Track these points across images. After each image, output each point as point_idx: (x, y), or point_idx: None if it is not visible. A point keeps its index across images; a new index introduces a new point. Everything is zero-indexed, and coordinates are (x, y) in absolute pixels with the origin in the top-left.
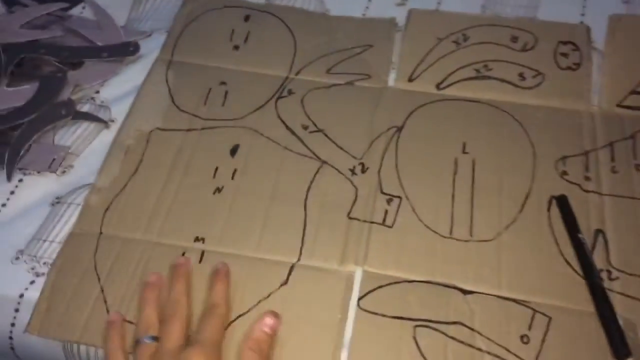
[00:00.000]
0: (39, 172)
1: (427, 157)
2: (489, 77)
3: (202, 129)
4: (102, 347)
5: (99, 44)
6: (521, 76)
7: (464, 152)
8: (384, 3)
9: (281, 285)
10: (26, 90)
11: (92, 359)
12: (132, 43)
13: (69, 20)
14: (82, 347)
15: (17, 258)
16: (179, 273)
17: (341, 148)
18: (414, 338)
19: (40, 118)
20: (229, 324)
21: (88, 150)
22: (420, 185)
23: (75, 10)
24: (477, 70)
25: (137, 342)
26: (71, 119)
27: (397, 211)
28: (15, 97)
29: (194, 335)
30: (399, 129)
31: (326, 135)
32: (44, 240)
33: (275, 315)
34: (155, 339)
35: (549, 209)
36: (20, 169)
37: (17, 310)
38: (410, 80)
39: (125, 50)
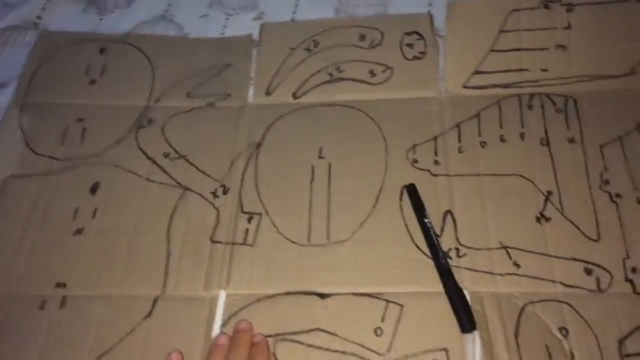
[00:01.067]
0: None
1: (285, 168)
2: (342, 79)
3: (61, 170)
4: None
5: None
6: (372, 73)
7: (320, 157)
8: (241, 21)
9: (144, 318)
10: None
11: None
12: None
13: None
14: None
15: None
16: (241, 341)
17: (203, 172)
18: (274, 354)
19: None
20: None
21: None
22: (279, 199)
23: None
24: (330, 74)
25: None
26: None
27: (258, 228)
28: None
29: None
30: (258, 145)
31: (187, 161)
32: None
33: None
34: None
35: (400, 199)
36: None
37: None
38: (268, 93)
39: None
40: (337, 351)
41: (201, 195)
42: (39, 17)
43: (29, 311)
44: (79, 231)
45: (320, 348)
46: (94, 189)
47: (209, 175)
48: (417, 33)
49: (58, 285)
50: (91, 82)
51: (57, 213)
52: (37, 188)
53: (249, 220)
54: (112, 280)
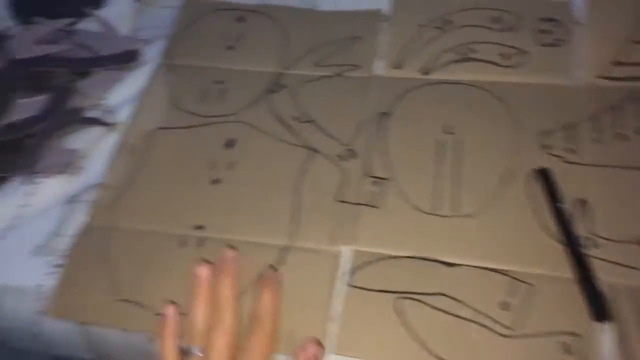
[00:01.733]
0: (54, 175)
1: (413, 140)
2: (473, 59)
3: (201, 125)
4: (158, 343)
5: (104, 54)
6: (503, 55)
7: (448, 133)
8: None
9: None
10: (39, 101)
11: (107, 341)
12: (132, 51)
13: (77, 34)
14: (95, 330)
15: (37, 252)
16: (227, 272)
17: (330, 136)
18: (400, 309)
19: (52, 125)
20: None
21: (96, 152)
22: (406, 167)
23: (82, 24)
24: (461, 53)
25: (186, 354)
26: (79, 124)
27: (384, 192)
28: (29, 107)
29: (240, 355)
30: (386, 115)
31: (316, 125)
32: (61, 235)
33: (318, 343)
34: (203, 351)
35: (530, 183)
36: (37, 173)
37: (37, 299)
38: (396, 67)
39: (127, 58)
40: (464, 318)
41: (328, 157)
42: None
43: (172, 249)
44: (216, 180)
45: (446, 312)
46: (229, 144)
47: (336, 139)
48: (554, 19)
49: (197, 227)
50: (229, 47)
51: (197, 164)
52: (180, 140)
53: (375, 184)
54: (245, 226)
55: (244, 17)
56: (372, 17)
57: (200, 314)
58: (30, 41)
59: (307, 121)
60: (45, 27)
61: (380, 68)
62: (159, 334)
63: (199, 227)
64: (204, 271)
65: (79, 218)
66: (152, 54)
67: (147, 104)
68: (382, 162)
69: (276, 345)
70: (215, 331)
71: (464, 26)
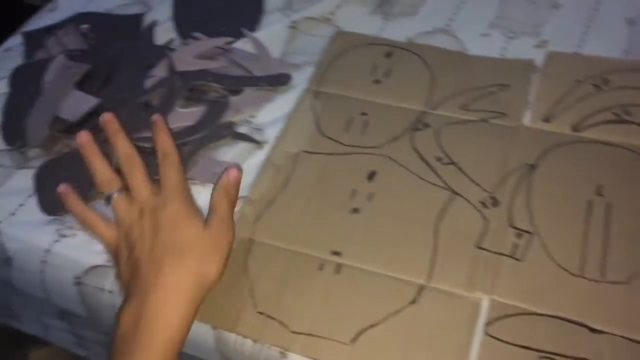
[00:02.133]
0: (202, 184)
1: (560, 196)
2: (629, 122)
3: (343, 154)
4: (74, 215)
5: (257, 74)
6: None
7: (599, 194)
8: (522, 45)
9: (410, 303)
10: (195, 112)
11: (237, 350)
12: (285, 75)
13: (232, 52)
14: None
15: None
16: (114, 130)
17: (473, 181)
18: None
19: (206, 136)
20: None
21: (244, 166)
22: (552, 223)
23: (237, 44)
24: (617, 114)
25: (108, 198)
26: (231, 138)
27: (527, 246)
28: (187, 117)
29: (161, 183)
30: (532, 167)
31: (459, 168)
32: None
33: (239, 168)
34: (121, 191)
35: None
36: (188, 179)
37: None
38: (546, 120)
39: (278, 81)
40: None
41: (470, 202)
42: (332, 14)
43: (310, 270)
44: (355, 210)
45: None
46: (371, 176)
47: (479, 185)
48: None
49: (334, 252)
50: (376, 81)
51: (338, 190)
52: (322, 165)
53: (518, 236)
54: (382, 259)
55: (392, 53)
56: (524, 66)
57: (102, 167)
58: (191, 56)
59: (450, 163)
60: (204, 43)
61: (528, 119)
62: (67, 207)
63: (336, 253)
64: (84, 136)
65: None
66: (300, 79)
67: (294, 126)
68: (526, 215)
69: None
70: (131, 172)
71: (622, 87)
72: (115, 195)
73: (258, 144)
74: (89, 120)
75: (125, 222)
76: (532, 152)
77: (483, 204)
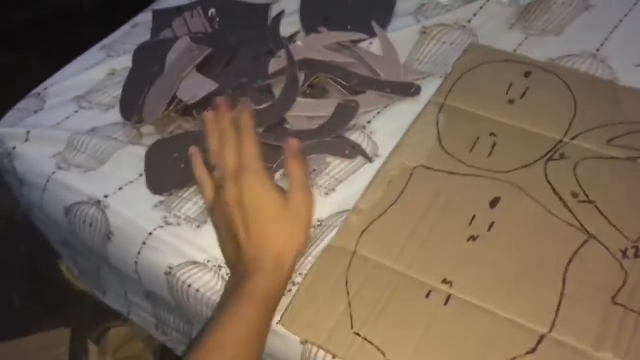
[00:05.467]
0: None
1: None
2: None
3: (465, 175)
4: (194, 173)
5: (381, 75)
6: None
7: None
8: None
9: (527, 353)
10: (319, 105)
11: None
12: (415, 85)
13: (360, 50)
14: (321, 353)
15: None
16: (224, 110)
17: (614, 225)
18: None
19: (328, 145)
20: None
21: (351, 177)
22: None
23: (364, 44)
24: None
25: (214, 168)
26: (348, 154)
27: None
28: (309, 108)
29: (240, 159)
30: None
31: (597, 208)
32: (306, 255)
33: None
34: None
35: None
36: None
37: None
38: None
39: (407, 91)
40: None
41: (608, 249)
42: (468, 22)
43: (415, 296)
44: (473, 238)
45: None
46: (494, 203)
47: (620, 231)
48: None
49: (445, 281)
50: (510, 101)
51: (455, 214)
52: (440, 184)
53: None
54: (497, 297)
55: (531, 73)
56: None
57: (213, 142)
58: (321, 45)
59: (588, 201)
60: (337, 35)
61: None
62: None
63: (447, 282)
64: (208, 115)
65: (322, 241)
66: (426, 89)
67: (413, 138)
68: None
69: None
70: (224, 147)
71: None
72: (218, 169)
73: (370, 161)
74: (206, 104)
75: (218, 193)
76: None
77: (624, 253)
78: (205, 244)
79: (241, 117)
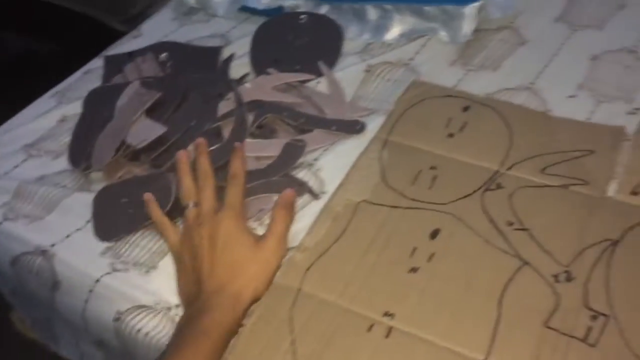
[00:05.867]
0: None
1: None
2: None
3: (407, 208)
4: (153, 219)
5: (328, 113)
6: None
7: None
8: (612, 110)
9: None
10: (266, 145)
11: None
12: (360, 122)
13: (306, 90)
14: None
15: None
16: (201, 150)
17: (546, 251)
18: None
19: (276, 183)
20: None
21: (299, 214)
22: (632, 308)
23: (311, 84)
24: None
25: (184, 208)
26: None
27: (602, 330)
28: (257, 148)
29: (224, 200)
30: (614, 243)
31: (531, 236)
32: None
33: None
34: (196, 204)
35: None
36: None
37: None
38: (634, 193)
39: (352, 128)
40: None
41: (541, 275)
42: (411, 59)
43: (358, 331)
44: (414, 269)
45: None
46: (434, 234)
47: (552, 256)
48: None
49: (387, 314)
50: (449, 135)
51: (397, 246)
52: (383, 218)
53: (593, 318)
54: (438, 327)
55: (470, 107)
56: (613, 133)
57: (187, 182)
58: (269, 86)
59: (522, 229)
60: (282, 77)
61: (613, 190)
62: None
63: (389, 315)
64: (183, 154)
65: None
66: (370, 125)
67: (357, 174)
68: (603, 295)
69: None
70: (202, 188)
71: None
72: (190, 205)
73: (316, 198)
74: (155, 148)
75: (189, 229)
76: (616, 227)
77: (555, 277)
78: (153, 288)
79: (234, 163)
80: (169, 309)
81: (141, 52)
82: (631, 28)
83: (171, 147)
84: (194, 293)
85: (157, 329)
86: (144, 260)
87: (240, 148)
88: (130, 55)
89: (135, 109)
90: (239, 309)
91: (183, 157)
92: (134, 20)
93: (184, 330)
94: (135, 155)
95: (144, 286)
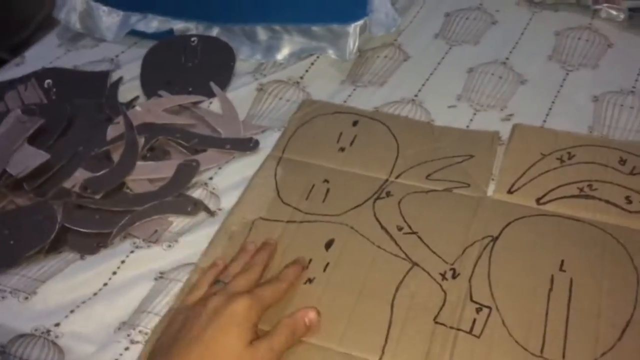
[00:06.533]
0: (147, 246)
1: (522, 270)
2: (593, 197)
3: (301, 222)
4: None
5: (222, 133)
6: (628, 200)
7: (561, 269)
8: (488, 117)
9: None
10: (159, 166)
11: None
12: (253, 140)
13: (199, 110)
14: None
15: (119, 328)
16: (265, 248)
17: (434, 252)
18: None
19: (170, 204)
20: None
21: (194, 230)
22: (512, 298)
23: (204, 104)
24: (581, 189)
25: (215, 282)
26: (190, 211)
27: (486, 322)
28: (150, 170)
29: (253, 289)
30: (495, 239)
31: (420, 238)
32: (146, 312)
33: (318, 313)
34: (225, 283)
35: None
36: (129, 234)
37: None
38: (510, 192)
39: (246, 146)
40: None
41: (429, 274)
42: (301, 77)
43: None
44: (309, 280)
45: None
46: (328, 245)
47: (439, 256)
48: None
49: None
50: (341, 149)
51: (292, 259)
52: (279, 233)
53: (478, 310)
54: (335, 334)
55: (358, 122)
56: (490, 138)
57: (236, 266)
58: (160, 109)
59: (411, 233)
60: (174, 99)
61: (492, 190)
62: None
63: None
64: (251, 245)
65: (165, 296)
66: (264, 143)
67: (253, 193)
68: (486, 289)
69: (281, 300)
70: (242, 273)
71: (587, 162)
72: (219, 282)
73: (212, 215)
74: (38, 176)
75: (203, 296)
76: (495, 224)
77: (443, 275)
78: (32, 314)
79: (287, 270)
80: (48, 332)
81: (24, 79)
82: (502, 42)
83: (56, 174)
84: (160, 351)
85: (41, 357)
86: (23, 286)
87: (274, 245)
88: (12, 83)
89: (16, 136)
90: None
91: (249, 247)
92: (17, 49)
93: None
94: (16, 185)
95: (22, 313)
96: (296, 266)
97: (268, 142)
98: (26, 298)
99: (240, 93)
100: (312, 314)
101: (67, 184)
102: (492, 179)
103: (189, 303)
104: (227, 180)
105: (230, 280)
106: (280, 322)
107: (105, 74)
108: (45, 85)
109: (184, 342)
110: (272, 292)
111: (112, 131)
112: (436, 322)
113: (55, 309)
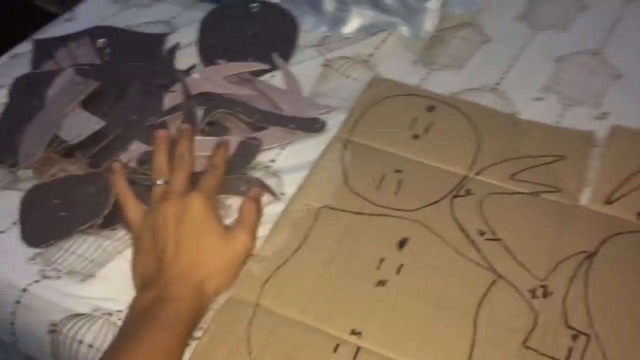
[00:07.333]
0: None
1: (626, 294)
2: None
3: (371, 214)
4: (116, 191)
5: (284, 109)
6: None
7: None
8: (581, 114)
9: None
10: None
11: None
12: (319, 121)
13: (259, 83)
14: None
15: None
16: (186, 135)
17: (521, 264)
18: None
19: (230, 184)
20: None
21: None
22: (614, 327)
23: (265, 77)
24: None
25: (152, 185)
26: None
27: (584, 351)
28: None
29: (197, 185)
30: (591, 256)
31: (505, 246)
32: None
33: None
34: (166, 182)
35: None
36: None
37: None
38: (608, 202)
39: (311, 127)
40: None
41: (517, 289)
42: (370, 55)
43: (323, 351)
44: (381, 282)
45: None
46: (402, 244)
47: (528, 270)
48: None
49: (353, 332)
50: (414, 136)
51: (362, 257)
52: (346, 225)
53: (574, 338)
54: (409, 346)
55: (435, 107)
56: (583, 138)
57: (161, 159)
58: (220, 76)
59: (494, 239)
60: (237, 66)
61: (587, 198)
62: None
63: (356, 333)
64: (163, 132)
65: None
66: (330, 124)
67: (318, 177)
68: (583, 313)
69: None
70: (176, 169)
71: None
72: (158, 183)
73: (276, 198)
74: (92, 144)
75: (155, 207)
76: (591, 238)
77: (533, 292)
78: (91, 296)
79: (216, 155)
80: (110, 314)
81: (76, 36)
82: (594, 29)
83: (110, 144)
84: (151, 274)
85: (98, 338)
86: (80, 268)
87: (226, 143)
88: (63, 40)
89: (69, 99)
90: (201, 302)
91: (163, 135)
92: (67, 2)
93: (140, 319)
94: (69, 152)
95: (78, 294)
96: (220, 147)
97: (334, 123)
98: (82, 280)
99: (304, 68)
100: (257, 189)
101: (123, 157)
102: (587, 186)
103: (137, 219)
104: (290, 163)
105: (170, 179)
106: (241, 206)
107: (161, 38)
108: (98, 45)
109: (170, 257)
110: (214, 179)
111: (169, 100)
112: (525, 346)
113: (115, 293)
